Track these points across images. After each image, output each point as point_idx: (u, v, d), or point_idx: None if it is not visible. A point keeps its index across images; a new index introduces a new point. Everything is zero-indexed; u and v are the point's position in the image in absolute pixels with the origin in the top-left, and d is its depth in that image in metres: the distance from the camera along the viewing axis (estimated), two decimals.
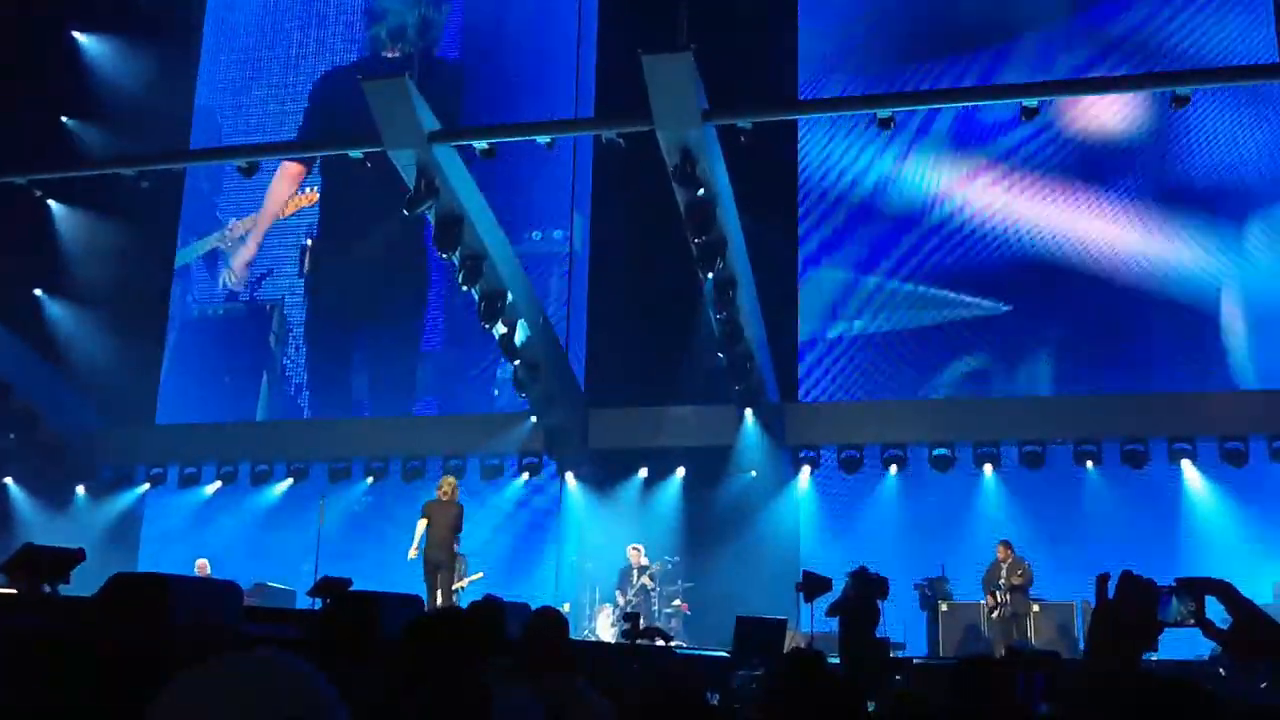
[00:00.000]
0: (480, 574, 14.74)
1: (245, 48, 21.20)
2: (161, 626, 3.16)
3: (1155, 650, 1.79)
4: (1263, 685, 7.55)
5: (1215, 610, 1.81)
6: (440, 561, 12.86)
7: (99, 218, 18.44)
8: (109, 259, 18.91)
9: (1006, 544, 14.06)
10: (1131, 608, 1.68)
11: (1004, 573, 13.79)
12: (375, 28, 20.68)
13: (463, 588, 13.78)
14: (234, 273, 20.24)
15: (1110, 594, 1.70)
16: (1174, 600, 1.79)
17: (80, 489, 18.50)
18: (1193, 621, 1.78)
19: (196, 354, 20.17)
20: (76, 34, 20.28)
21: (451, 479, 13.76)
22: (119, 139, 18.77)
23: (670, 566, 15.29)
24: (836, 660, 10.85)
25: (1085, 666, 1.66)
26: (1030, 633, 13.54)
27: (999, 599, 13.72)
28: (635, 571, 14.98)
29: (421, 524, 13.00)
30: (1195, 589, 1.79)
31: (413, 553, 13.00)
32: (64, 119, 19.55)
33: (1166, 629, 1.75)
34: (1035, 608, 13.81)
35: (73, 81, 19.82)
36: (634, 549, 15.19)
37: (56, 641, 2.90)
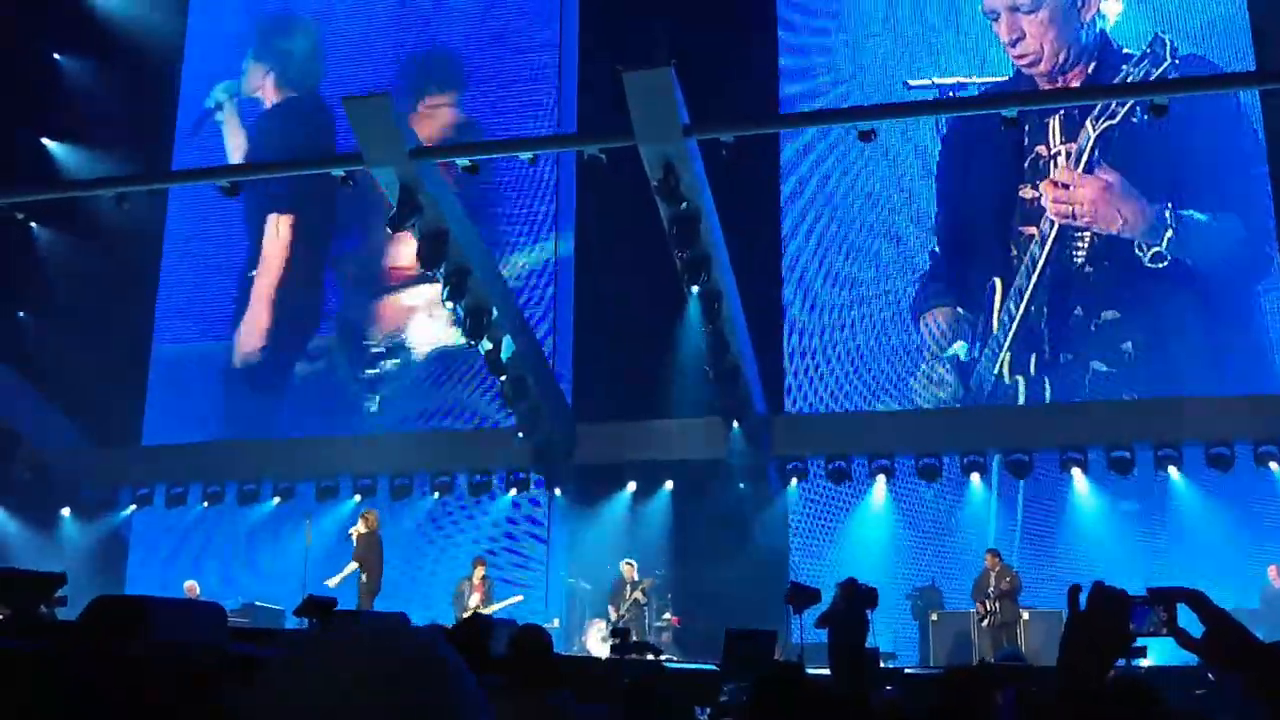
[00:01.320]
0: (519, 597, 14.93)
1: (226, 71, 21.19)
2: (142, 649, 3.14)
3: (1143, 657, 1.79)
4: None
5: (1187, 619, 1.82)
6: (375, 591, 13.53)
7: (81, 239, 18.40)
8: (92, 280, 18.85)
9: (994, 553, 14.21)
10: (1103, 619, 1.68)
11: (992, 581, 13.90)
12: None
13: (491, 611, 14.21)
14: None
15: (1082, 605, 1.70)
16: (1146, 610, 1.79)
17: (65, 511, 18.40)
18: (1165, 631, 1.78)
19: (183, 376, 20.09)
20: (57, 55, 20.24)
21: (374, 510, 14.65)
22: (100, 160, 18.74)
23: (658, 580, 15.28)
24: (826, 671, 10.85)
25: (1057, 678, 1.66)
26: (1021, 641, 13.59)
27: (988, 608, 13.81)
28: (628, 587, 14.98)
29: (352, 565, 14.02)
30: (1167, 599, 1.79)
31: (333, 582, 13.65)
32: (45, 141, 19.51)
33: (1142, 639, 1.75)
34: (1025, 615, 13.89)
35: (54, 103, 19.79)
36: (627, 564, 15.20)
37: (33, 663, 2.88)
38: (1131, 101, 16.67)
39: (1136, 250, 16.90)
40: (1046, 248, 17.25)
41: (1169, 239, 16.78)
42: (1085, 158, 17.30)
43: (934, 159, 17.97)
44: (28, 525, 17.86)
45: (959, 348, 17.35)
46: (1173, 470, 15.54)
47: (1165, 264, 16.74)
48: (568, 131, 18.91)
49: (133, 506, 18.69)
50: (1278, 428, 15.19)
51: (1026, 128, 17.34)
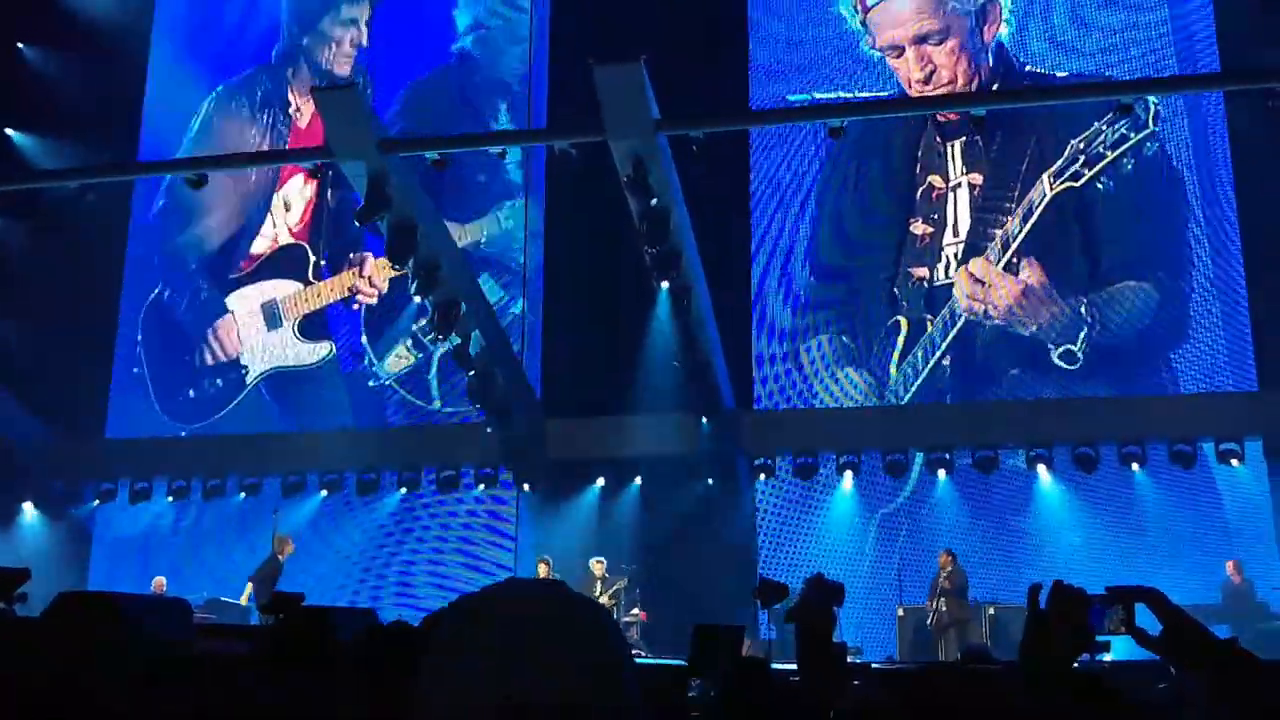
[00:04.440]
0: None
1: (193, 59, 21.00)
2: (108, 646, 3.13)
3: (1106, 652, 1.83)
4: None
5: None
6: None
7: (45, 230, 18.20)
8: (55, 272, 18.65)
9: (948, 552, 14.40)
10: (1062, 618, 1.71)
11: (941, 579, 14.15)
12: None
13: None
14: None
15: (1042, 604, 1.73)
16: (1105, 610, 1.82)
17: (28, 505, 18.20)
18: (1124, 630, 1.82)
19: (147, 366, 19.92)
20: (20, 45, 20.01)
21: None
22: (64, 151, 18.55)
23: (626, 573, 15.28)
24: (794, 666, 10.89)
25: (1017, 675, 1.69)
26: (985, 637, 13.73)
27: (934, 605, 14.06)
28: (598, 584, 14.98)
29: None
30: (1126, 597, 1.83)
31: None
32: (8, 131, 19.28)
33: (1101, 637, 1.78)
34: (991, 611, 14.06)
35: (17, 93, 19.57)
36: (597, 562, 15.21)
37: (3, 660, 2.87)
38: (1102, 163, 16.43)
39: (1049, 345, 16.54)
40: (957, 326, 16.95)
41: (1083, 338, 16.43)
42: (1030, 226, 16.77)
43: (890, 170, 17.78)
44: None
45: (848, 377, 17.27)
46: (1136, 467, 15.71)
47: (1077, 365, 16.41)
48: (538, 126, 18.89)
49: (96, 501, 18.51)
50: (1239, 425, 15.39)
51: (919, 153, 17.14)
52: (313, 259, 19.72)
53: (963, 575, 14.07)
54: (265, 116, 20.36)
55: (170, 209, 20.11)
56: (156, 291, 20.10)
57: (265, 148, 20.16)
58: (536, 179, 18.98)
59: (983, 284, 16.88)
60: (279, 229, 19.98)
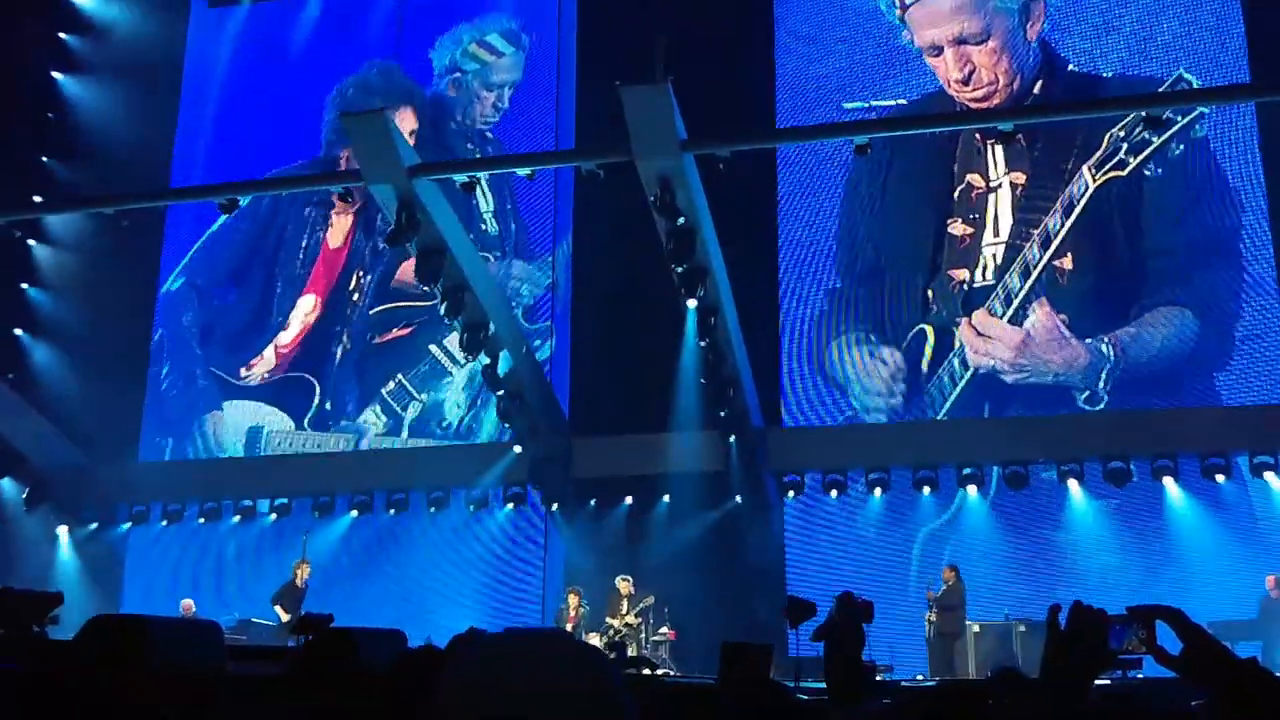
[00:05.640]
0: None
1: (226, 85, 21.24)
2: (139, 669, 3.16)
3: (1139, 669, 1.83)
4: None
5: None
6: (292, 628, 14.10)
7: (79, 256, 18.42)
8: (90, 298, 18.87)
9: (951, 568, 14.40)
10: (1083, 638, 1.71)
11: (931, 594, 14.31)
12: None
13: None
14: None
15: (1062, 625, 1.73)
16: (1125, 629, 1.82)
17: (63, 529, 18.36)
18: (1143, 649, 1.81)
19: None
20: (56, 74, 20.30)
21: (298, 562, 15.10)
22: (99, 178, 18.78)
23: (653, 591, 15.23)
24: (823, 685, 10.84)
25: (1038, 698, 1.69)
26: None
27: (927, 619, 14.10)
28: (625, 602, 14.96)
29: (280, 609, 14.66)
30: (1146, 617, 1.82)
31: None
32: (44, 159, 19.55)
33: (1122, 657, 1.78)
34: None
35: (53, 121, 19.85)
36: (623, 580, 15.19)
37: (30, 682, 2.90)
38: (1150, 149, 16.11)
39: (1073, 391, 16.30)
40: (968, 375, 16.78)
41: (1105, 375, 16.13)
42: (1071, 221, 16.57)
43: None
44: (25, 543, 17.82)
45: (882, 389, 17.09)
46: (1169, 481, 15.55)
47: (1103, 404, 16.16)
48: (565, 147, 18.98)
49: (129, 523, 18.66)
50: (1273, 439, 15.21)
51: (957, 152, 16.97)
52: (316, 400, 19.15)
53: (956, 592, 14.06)
54: (306, 213, 20.17)
55: (186, 289, 20.17)
56: (160, 370, 20.05)
57: (303, 243, 19.98)
58: (564, 200, 19.04)
59: (985, 337, 16.70)
60: (268, 347, 19.62)
